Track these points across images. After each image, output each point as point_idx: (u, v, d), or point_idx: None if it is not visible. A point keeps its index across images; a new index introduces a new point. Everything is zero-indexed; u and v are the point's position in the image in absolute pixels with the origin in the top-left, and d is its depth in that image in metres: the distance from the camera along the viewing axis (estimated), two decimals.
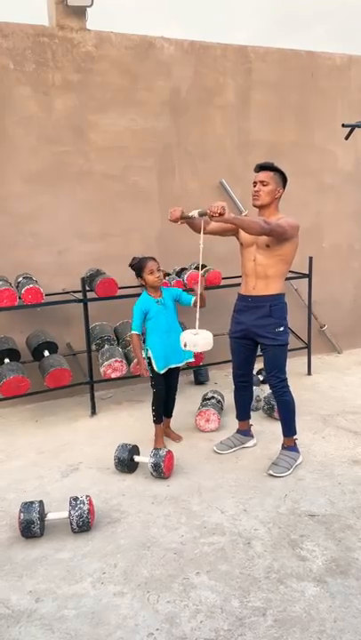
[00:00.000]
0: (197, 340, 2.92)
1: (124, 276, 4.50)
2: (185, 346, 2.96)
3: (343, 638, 2.08)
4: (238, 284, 4.77)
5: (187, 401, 4.42)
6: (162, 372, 3.56)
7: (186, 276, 4.46)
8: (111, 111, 4.50)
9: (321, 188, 5.47)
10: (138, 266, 3.50)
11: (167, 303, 3.55)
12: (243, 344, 3.42)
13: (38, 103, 4.25)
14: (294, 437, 3.43)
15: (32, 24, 4.16)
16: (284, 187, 3.24)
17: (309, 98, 5.25)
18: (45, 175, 4.37)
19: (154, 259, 3.53)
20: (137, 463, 3.40)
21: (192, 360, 3.79)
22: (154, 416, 3.67)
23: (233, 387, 3.61)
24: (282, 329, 3.27)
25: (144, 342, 3.61)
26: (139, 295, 4.44)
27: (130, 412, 4.39)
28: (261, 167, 3.23)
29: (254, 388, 4.35)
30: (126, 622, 2.18)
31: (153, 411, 3.66)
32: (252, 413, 4.19)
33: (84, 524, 2.73)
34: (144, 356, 3.57)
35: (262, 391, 4.34)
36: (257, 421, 4.05)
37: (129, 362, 4.24)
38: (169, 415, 3.83)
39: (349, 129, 4.33)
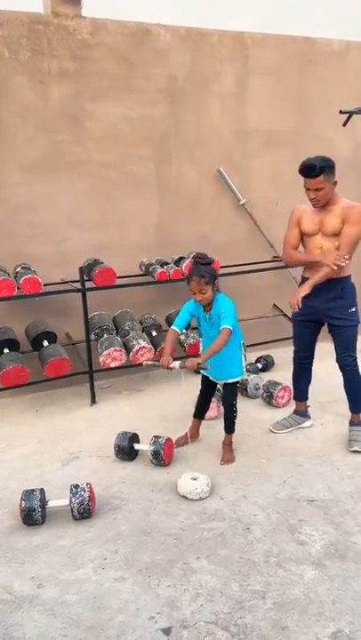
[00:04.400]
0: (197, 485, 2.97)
1: (122, 265, 4.52)
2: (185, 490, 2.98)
3: (342, 620, 2.11)
4: (237, 273, 4.81)
5: (186, 388, 4.43)
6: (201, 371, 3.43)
7: (184, 265, 4.45)
8: (108, 99, 4.47)
9: None
10: (187, 275, 3.20)
11: (214, 320, 3.21)
12: (310, 326, 3.50)
13: (34, 92, 4.22)
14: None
15: (27, 12, 4.12)
16: (334, 173, 3.21)
17: (307, 84, 5.22)
18: (43, 164, 4.35)
19: (201, 274, 3.07)
20: (137, 451, 3.42)
21: (234, 380, 3.36)
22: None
23: (292, 367, 3.70)
24: (354, 309, 3.37)
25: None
26: (136, 284, 4.47)
27: (129, 400, 4.41)
28: (307, 174, 3.14)
29: (253, 376, 4.39)
30: (128, 606, 2.21)
31: None
32: (251, 401, 4.24)
33: (84, 511, 2.76)
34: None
35: (261, 379, 4.36)
36: (256, 409, 4.07)
37: (128, 351, 4.25)
38: (225, 431, 3.43)
39: (347, 115, 4.32)
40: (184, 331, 4.63)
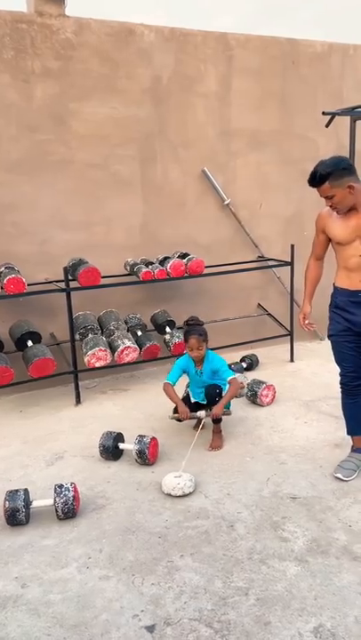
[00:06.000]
0: (180, 482, 2.99)
1: (107, 265, 4.52)
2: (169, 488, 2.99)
3: (323, 615, 2.14)
4: (221, 273, 4.83)
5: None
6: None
7: (169, 264, 4.46)
8: (92, 99, 4.47)
9: (303, 177, 5.40)
10: (184, 334, 3.58)
11: (205, 374, 3.58)
12: (356, 341, 3.13)
13: (18, 91, 4.20)
14: None
15: (10, 10, 4.10)
16: (353, 173, 2.80)
17: (290, 85, 5.26)
18: (26, 164, 4.33)
19: (200, 333, 3.47)
20: (122, 450, 3.42)
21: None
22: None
23: (340, 395, 3.24)
24: None
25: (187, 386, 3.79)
26: (122, 284, 4.47)
27: (114, 400, 4.41)
28: (310, 184, 2.87)
29: (238, 375, 4.40)
30: (112, 605, 2.22)
31: None
32: (235, 400, 4.22)
33: (69, 511, 2.76)
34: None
35: (246, 378, 4.39)
36: (240, 407, 4.10)
37: (113, 351, 4.25)
38: (213, 422, 3.58)
39: (330, 117, 4.36)
40: (169, 330, 4.67)
